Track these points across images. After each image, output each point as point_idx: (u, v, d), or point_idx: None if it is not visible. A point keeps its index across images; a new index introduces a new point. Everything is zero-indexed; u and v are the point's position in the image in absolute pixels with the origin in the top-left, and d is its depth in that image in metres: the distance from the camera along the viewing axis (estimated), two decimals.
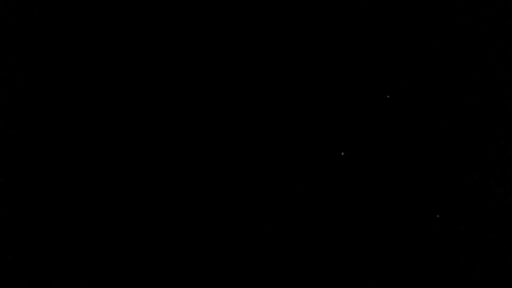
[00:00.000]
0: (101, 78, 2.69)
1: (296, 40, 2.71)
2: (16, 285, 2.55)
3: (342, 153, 2.61)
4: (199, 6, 2.71)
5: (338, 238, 2.59)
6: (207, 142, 2.67)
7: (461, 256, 2.55)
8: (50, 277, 2.56)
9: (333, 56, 2.70)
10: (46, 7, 2.69)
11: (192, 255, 2.60)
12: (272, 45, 2.71)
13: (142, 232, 2.61)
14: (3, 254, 2.57)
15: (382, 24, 2.69)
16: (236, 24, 2.70)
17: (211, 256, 2.60)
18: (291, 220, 2.62)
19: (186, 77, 2.70)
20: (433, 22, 2.68)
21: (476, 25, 2.67)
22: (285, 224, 2.62)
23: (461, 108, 2.65)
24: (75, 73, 2.69)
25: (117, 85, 2.69)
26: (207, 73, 2.70)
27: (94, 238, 2.60)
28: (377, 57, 2.68)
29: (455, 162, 2.62)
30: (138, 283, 2.57)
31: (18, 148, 2.64)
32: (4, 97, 2.66)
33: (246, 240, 2.61)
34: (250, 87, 2.70)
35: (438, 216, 2.57)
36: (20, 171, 2.63)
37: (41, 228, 2.61)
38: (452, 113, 2.65)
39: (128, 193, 2.63)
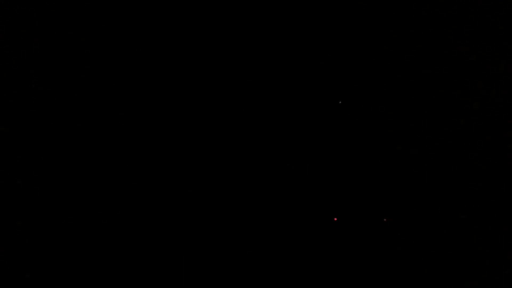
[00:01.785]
0: (101, 78, 2.66)
1: (252, 46, 2.72)
2: (16, 285, 2.55)
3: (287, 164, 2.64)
4: (198, 6, 2.70)
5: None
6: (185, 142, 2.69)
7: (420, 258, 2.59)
8: (50, 277, 2.58)
9: (291, 62, 2.70)
10: (46, 7, 2.68)
11: (188, 251, 2.62)
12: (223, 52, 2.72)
13: (140, 232, 2.60)
14: (3, 254, 2.57)
15: (332, 32, 2.69)
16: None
17: (207, 253, 2.62)
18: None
19: (176, 80, 2.71)
20: (382, 31, 2.69)
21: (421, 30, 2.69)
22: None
23: (412, 115, 2.65)
24: (75, 73, 2.66)
25: (117, 85, 2.67)
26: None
27: (93, 237, 2.59)
28: (330, 64, 2.67)
29: (404, 168, 2.64)
30: (138, 283, 2.57)
31: (17, 148, 2.63)
32: (3, 97, 2.64)
33: (240, 238, 2.64)
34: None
35: (385, 220, 2.60)
36: (20, 171, 2.62)
37: (41, 228, 2.61)
38: (403, 120, 2.65)
39: (127, 192, 2.62)
